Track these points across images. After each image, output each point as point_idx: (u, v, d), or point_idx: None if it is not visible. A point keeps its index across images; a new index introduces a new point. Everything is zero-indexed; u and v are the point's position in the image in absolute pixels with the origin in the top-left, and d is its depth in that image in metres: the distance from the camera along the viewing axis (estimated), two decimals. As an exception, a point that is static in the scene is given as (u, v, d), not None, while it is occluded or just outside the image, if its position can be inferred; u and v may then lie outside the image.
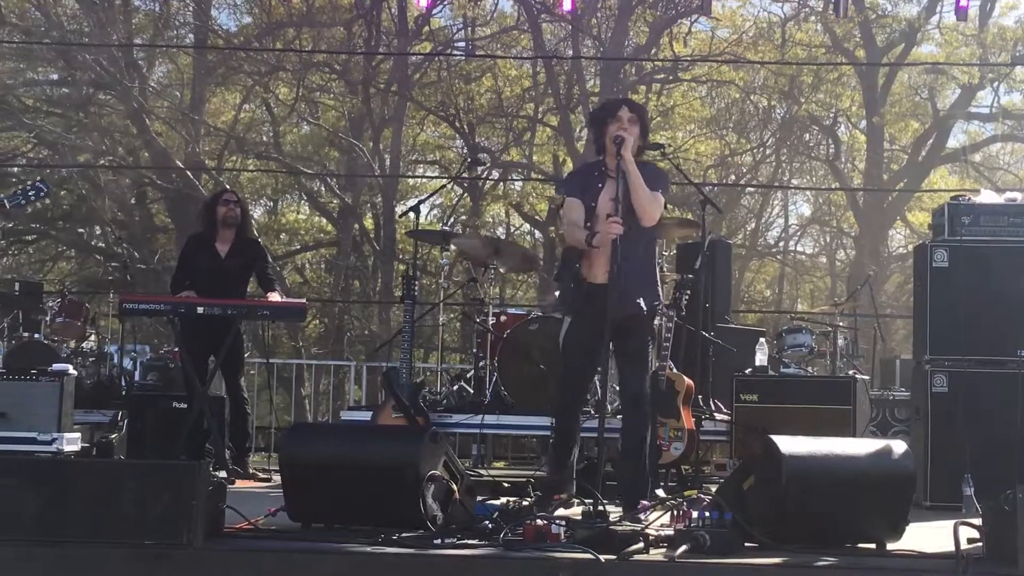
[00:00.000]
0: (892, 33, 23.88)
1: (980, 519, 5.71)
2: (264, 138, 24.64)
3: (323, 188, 25.32)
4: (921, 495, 7.92)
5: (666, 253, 10.22)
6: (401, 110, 22.80)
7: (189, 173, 21.13)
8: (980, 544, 5.56)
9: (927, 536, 6.03)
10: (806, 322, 11.45)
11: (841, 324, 11.04)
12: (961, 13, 12.30)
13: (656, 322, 8.89)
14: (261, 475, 9.65)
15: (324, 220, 26.57)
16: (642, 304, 6.94)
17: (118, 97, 21.51)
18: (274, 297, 9.24)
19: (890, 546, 5.78)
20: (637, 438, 7.02)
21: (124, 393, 11.42)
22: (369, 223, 24.52)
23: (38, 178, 8.29)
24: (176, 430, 8.80)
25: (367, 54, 22.31)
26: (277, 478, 8.90)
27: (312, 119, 24.12)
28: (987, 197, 8.89)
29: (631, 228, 6.79)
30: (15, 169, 21.66)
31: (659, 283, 7.36)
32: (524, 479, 8.55)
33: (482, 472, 9.94)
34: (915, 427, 8.84)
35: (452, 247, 10.86)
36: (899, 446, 5.99)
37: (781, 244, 30.75)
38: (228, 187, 13.65)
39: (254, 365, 13.48)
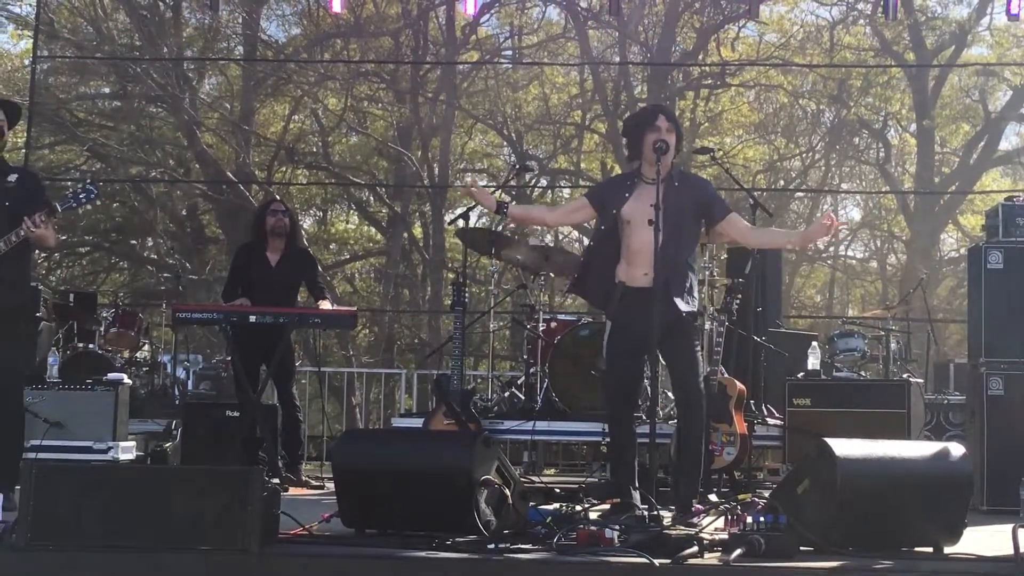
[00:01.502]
0: (942, 35, 23.67)
1: (1040, 522, 5.65)
2: (313, 148, 24.74)
3: (372, 197, 25.39)
4: (978, 499, 7.86)
5: (715, 258, 10.15)
6: (449, 119, 22.83)
7: (240, 185, 21.26)
8: (1039, 547, 5.50)
9: (985, 540, 5.99)
10: (858, 326, 11.36)
11: (893, 328, 10.96)
12: (1012, 15, 12.20)
13: (707, 327, 8.92)
14: (314, 483, 9.70)
15: (373, 229, 26.65)
16: (680, 306, 6.94)
17: (169, 110, 21.71)
18: (325, 305, 9.27)
19: (947, 550, 5.73)
20: (692, 441, 7.03)
21: (177, 402, 11.52)
22: (418, 231, 24.58)
23: (88, 180, 8.37)
24: (229, 438, 8.87)
25: (415, 63, 22.37)
26: (330, 485, 8.98)
27: (360, 129, 24.19)
28: (1042, 197, 8.82)
29: (673, 234, 6.80)
30: (68, 183, 21.85)
31: (696, 288, 7.35)
32: (576, 485, 8.55)
33: (534, 479, 9.94)
34: (971, 430, 8.76)
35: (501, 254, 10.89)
36: (956, 448, 5.93)
37: (831, 249, 30.52)
38: (277, 197, 13.71)
39: (305, 374, 13.55)
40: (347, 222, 28.14)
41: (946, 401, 10.67)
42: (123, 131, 22.39)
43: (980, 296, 8.58)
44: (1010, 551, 5.35)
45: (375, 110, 24.22)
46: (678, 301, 6.95)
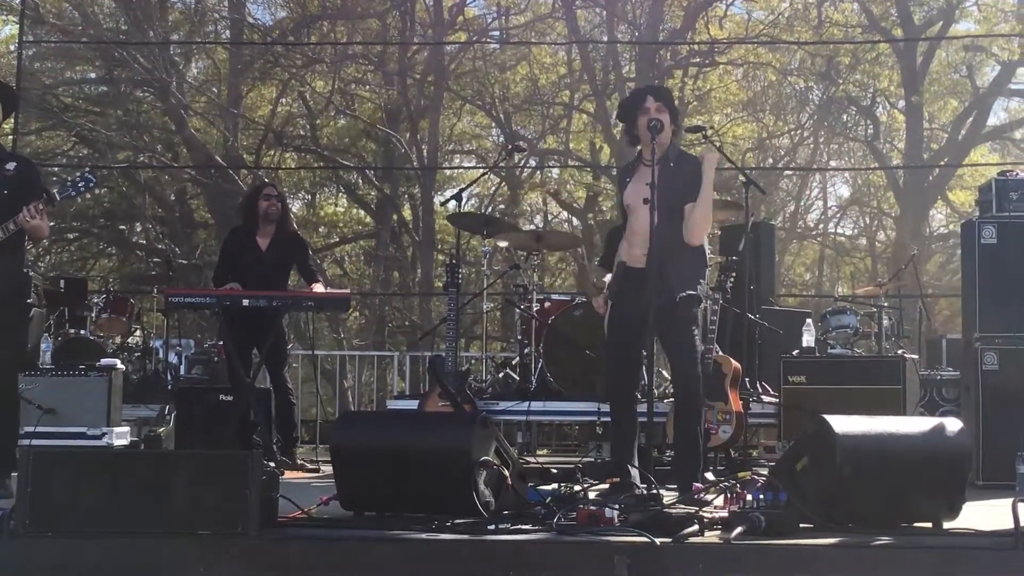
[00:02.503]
0: (930, 11, 23.68)
1: (1038, 496, 5.65)
2: (301, 131, 24.68)
3: (361, 180, 25.34)
4: (974, 474, 7.86)
5: (712, 235, 10.14)
6: (438, 100, 22.78)
7: (229, 169, 21.19)
8: (1039, 521, 5.51)
9: (983, 514, 5.98)
10: (850, 303, 11.37)
11: (885, 305, 10.96)
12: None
13: (701, 305, 8.92)
14: (309, 465, 9.69)
15: (362, 212, 26.61)
16: (675, 295, 6.95)
17: (157, 94, 21.63)
18: (318, 288, 9.25)
19: (946, 524, 5.72)
20: (689, 420, 7.05)
21: (170, 387, 11.49)
22: (408, 214, 24.54)
23: (86, 169, 8.33)
24: (223, 423, 8.81)
25: (402, 44, 22.32)
26: (325, 468, 8.98)
27: (348, 111, 24.13)
28: (1035, 172, 8.82)
29: (668, 214, 6.81)
30: (55, 168, 21.75)
31: (702, 269, 7.34)
32: (571, 465, 8.55)
33: (529, 459, 9.94)
34: (966, 405, 8.77)
35: (497, 243, 10.88)
36: (953, 423, 5.92)
37: (821, 227, 30.59)
38: (268, 181, 13.67)
39: (297, 357, 13.52)
40: (336, 205, 28.09)
41: (939, 377, 10.68)
42: (110, 116, 22.31)
43: (974, 271, 8.57)
44: (1008, 525, 5.35)
45: (363, 92, 24.17)
46: (674, 287, 6.94)
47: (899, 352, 10.00)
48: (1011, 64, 24.05)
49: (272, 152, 24.22)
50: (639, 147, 7.29)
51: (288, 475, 8.98)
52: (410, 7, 22.39)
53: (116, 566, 5.36)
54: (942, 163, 24.13)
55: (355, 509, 6.12)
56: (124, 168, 22.28)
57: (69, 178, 7.59)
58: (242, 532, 5.39)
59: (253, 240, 9.55)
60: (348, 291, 10.19)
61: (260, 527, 5.48)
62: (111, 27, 22.15)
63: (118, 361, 10.01)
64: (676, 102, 7.61)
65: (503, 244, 10.87)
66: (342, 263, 27.55)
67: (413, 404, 9.64)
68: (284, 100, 24.50)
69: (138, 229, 24.95)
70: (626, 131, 7.44)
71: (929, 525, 5.74)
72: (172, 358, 12.22)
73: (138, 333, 12.52)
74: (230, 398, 9.18)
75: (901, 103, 24.96)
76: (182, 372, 12.15)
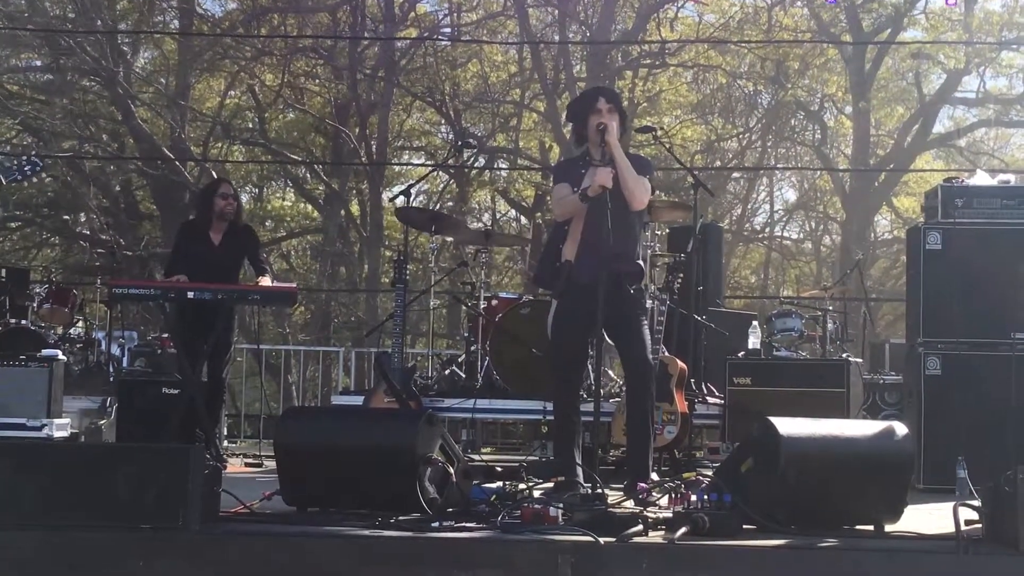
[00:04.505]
0: (879, 18, 23.88)
1: (979, 500, 5.69)
2: (250, 124, 24.54)
3: (309, 174, 25.23)
4: (915, 478, 7.91)
5: (659, 233, 10.17)
6: (388, 96, 22.71)
7: (176, 161, 21.03)
8: (979, 525, 5.56)
9: (923, 518, 6.03)
10: (795, 306, 11.43)
11: (830, 308, 11.03)
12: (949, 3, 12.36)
13: (648, 305, 8.93)
14: (252, 460, 9.62)
15: (310, 206, 26.49)
16: (624, 292, 6.96)
17: (103, 84, 21.41)
18: (265, 282, 9.18)
19: (888, 528, 5.75)
20: (640, 417, 7.07)
21: (112, 379, 11.36)
22: (355, 209, 24.45)
23: (32, 152, 8.24)
24: (165, 416, 8.72)
25: (353, 39, 22.20)
26: (268, 463, 8.91)
27: (298, 105, 24.01)
28: (980, 179, 8.89)
29: (618, 213, 6.81)
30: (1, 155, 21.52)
31: (645, 262, 7.40)
32: (516, 463, 8.54)
33: (474, 457, 9.92)
34: (908, 410, 8.83)
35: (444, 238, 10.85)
36: (898, 428, 5.96)
37: (767, 230, 30.79)
38: (226, 179, 13.56)
39: (241, 352, 13.44)
40: (283, 199, 27.99)
41: (882, 381, 10.74)
42: (56, 105, 22.05)
43: (919, 277, 8.63)
44: (949, 529, 5.39)
45: (312, 86, 24.06)
46: (624, 280, 6.95)
47: (843, 356, 10.06)
48: (957, 72, 24.30)
49: (220, 144, 24.10)
50: (585, 146, 7.30)
51: (232, 469, 8.92)
52: (361, 2, 22.28)
53: (54, 560, 5.29)
54: (888, 168, 24.36)
55: (298, 505, 6.09)
56: (69, 157, 22.03)
57: (15, 162, 7.48)
58: (183, 526, 5.35)
59: (206, 235, 9.48)
60: (295, 285, 10.10)
61: (201, 522, 5.44)
62: (58, 15, 21.91)
63: (59, 352, 9.90)
64: (626, 103, 7.65)
65: (450, 239, 10.85)
66: (288, 257, 27.45)
67: (358, 400, 9.61)
68: (233, 92, 24.35)
69: (82, 219, 24.70)
70: (575, 131, 7.44)
71: (871, 528, 5.76)
72: (115, 350, 12.08)
73: (80, 324, 12.34)
74: (173, 391, 9.11)
75: (849, 108, 25.18)
76: (125, 364, 12.03)
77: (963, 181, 8.84)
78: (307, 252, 27.50)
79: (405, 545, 5.34)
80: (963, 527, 5.37)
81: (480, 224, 24.31)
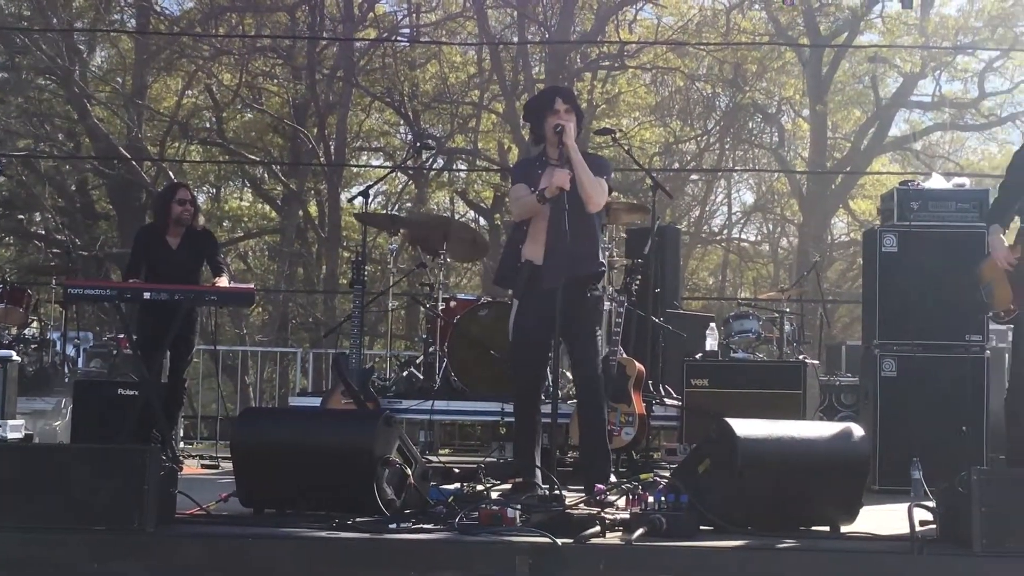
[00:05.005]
0: (836, 22, 24.03)
1: (933, 501, 5.74)
2: (207, 124, 24.40)
3: (267, 175, 25.12)
4: (870, 479, 7.95)
5: (616, 236, 10.19)
6: (346, 96, 22.65)
7: (133, 160, 20.89)
8: (934, 526, 5.60)
9: (879, 519, 6.07)
10: (752, 308, 11.47)
11: (787, 310, 11.07)
12: (905, 6, 12.45)
13: (606, 307, 8.95)
14: (208, 462, 9.58)
15: (267, 207, 26.37)
16: (582, 291, 6.98)
17: (59, 82, 21.25)
18: (222, 282, 9.14)
19: (844, 529, 5.80)
20: (593, 419, 7.07)
21: (67, 380, 11.28)
22: (314, 210, 24.37)
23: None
24: (121, 417, 8.66)
25: (312, 39, 22.12)
26: (225, 465, 8.87)
27: (256, 105, 23.90)
28: (936, 182, 8.95)
29: (576, 214, 6.82)
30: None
31: (603, 268, 7.42)
32: (473, 465, 8.53)
33: (431, 459, 9.90)
34: (864, 411, 8.89)
35: (401, 231, 10.80)
36: (854, 429, 6.00)
37: (725, 232, 30.92)
38: (183, 183, 13.49)
39: (198, 353, 13.35)
40: (241, 199, 27.85)
41: (838, 382, 10.79)
42: (11, 104, 21.86)
43: (875, 279, 8.69)
44: (904, 529, 5.43)
45: (271, 86, 23.96)
46: (577, 279, 6.96)
47: (800, 357, 10.10)
48: (913, 76, 24.47)
49: (177, 144, 23.94)
50: (542, 146, 7.31)
51: (188, 471, 8.87)
52: (320, 2, 22.22)
53: (7, 561, 5.25)
54: (845, 171, 24.52)
55: (254, 506, 6.07)
56: (24, 156, 21.84)
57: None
58: (138, 528, 5.32)
59: (163, 239, 9.42)
60: (252, 286, 10.05)
61: (157, 524, 5.40)
62: (13, 12, 21.72)
63: (14, 353, 9.82)
64: (585, 105, 7.67)
65: (412, 223, 10.82)
66: (246, 258, 27.32)
67: (316, 401, 9.57)
68: (190, 92, 24.18)
69: (37, 219, 24.49)
70: (532, 130, 7.45)
71: (827, 529, 5.80)
72: (70, 351, 12.00)
73: (35, 324, 12.26)
74: (129, 392, 9.05)
75: (806, 111, 25.32)
76: (80, 365, 11.95)
77: (919, 184, 8.91)
78: (265, 253, 27.39)
79: (362, 547, 5.33)
80: (918, 528, 5.42)
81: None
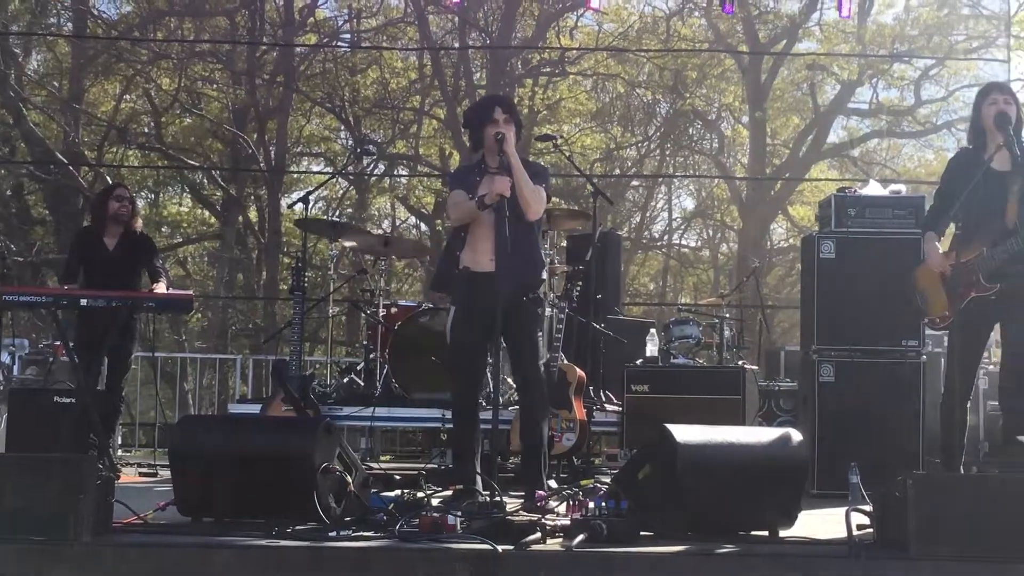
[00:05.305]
0: (775, 29, 24.22)
1: (870, 505, 5.78)
2: (146, 129, 24.21)
3: (206, 180, 24.96)
4: (809, 483, 8.01)
5: (557, 242, 10.21)
6: (287, 101, 22.57)
7: (70, 165, 20.67)
8: (871, 530, 5.64)
9: (816, 523, 6.11)
10: (693, 314, 11.52)
11: (727, 315, 11.13)
12: (843, 16, 12.61)
13: (547, 313, 8.97)
14: (147, 470, 9.49)
15: (207, 212, 26.21)
16: (521, 297, 7.00)
17: (-7, 86, 21.00)
18: (160, 288, 9.06)
19: (783, 533, 5.84)
20: (534, 425, 7.09)
21: (2, 388, 11.13)
22: (254, 215, 24.24)
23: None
24: (58, 425, 8.56)
25: (252, 44, 22.02)
26: (163, 473, 8.79)
27: (195, 110, 23.74)
28: (873, 189, 9.03)
29: (516, 222, 6.86)
30: None
31: (545, 271, 7.49)
32: (415, 471, 8.51)
33: (372, 465, 9.86)
34: (803, 416, 8.95)
35: (344, 243, 10.76)
36: (793, 434, 6.04)
37: (665, 238, 31.07)
38: (121, 183, 13.37)
39: (136, 359, 13.22)
40: (180, 205, 27.65)
41: (777, 388, 10.85)
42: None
43: (813, 285, 8.75)
44: (842, 533, 5.47)
45: (210, 91, 23.83)
46: (518, 284, 6.98)
47: (739, 363, 10.15)
48: (850, 84, 24.71)
49: (115, 149, 23.73)
50: (480, 153, 7.34)
51: (126, 479, 8.78)
52: (260, 6, 22.12)
53: (-60, 573, 5.18)
54: (784, 177, 24.71)
55: (193, 515, 6.01)
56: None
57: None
58: (75, 538, 5.25)
59: (100, 240, 9.35)
60: (191, 292, 9.98)
61: (93, 533, 5.34)
62: (-54, 16, 21.45)
63: (-55, 360, 9.68)
64: (526, 111, 7.71)
65: (350, 244, 10.78)
66: (185, 264, 27.11)
67: (255, 408, 9.50)
68: (128, 96, 24.01)
69: (-30, 225, 24.19)
70: (470, 137, 7.48)
71: (766, 534, 5.84)
72: (5, 358, 11.83)
73: (-32, 332, 12.08)
74: (65, 400, 8.95)
75: (745, 118, 25.50)
76: (15, 372, 11.79)
77: (856, 191, 8.98)
78: (204, 258, 27.19)
79: (302, 555, 5.29)
80: (855, 532, 5.46)
81: (380, 231, 24.20)
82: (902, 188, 9.07)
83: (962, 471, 6.94)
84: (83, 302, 8.26)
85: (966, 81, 24.04)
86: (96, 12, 22.69)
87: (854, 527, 5.47)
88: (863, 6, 23.03)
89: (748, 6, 22.72)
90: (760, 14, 23.69)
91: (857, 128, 26.74)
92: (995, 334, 7.30)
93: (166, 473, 6.91)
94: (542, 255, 7.42)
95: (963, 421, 6.94)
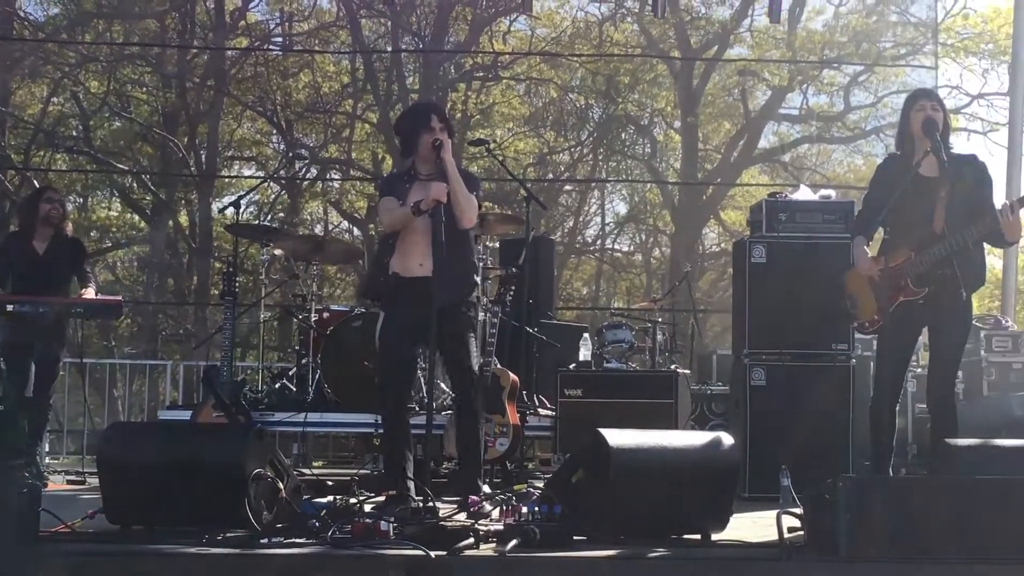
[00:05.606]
0: (706, 35, 24.37)
1: (801, 508, 5.82)
2: (74, 132, 23.93)
3: (136, 184, 24.71)
4: (740, 486, 8.06)
5: (490, 246, 10.20)
6: (218, 105, 22.40)
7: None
8: (801, 533, 5.68)
9: (748, 526, 6.14)
10: (625, 318, 11.55)
11: (660, 320, 11.17)
12: (773, 20, 12.75)
13: (480, 317, 8.96)
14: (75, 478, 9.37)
15: (137, 217, 25.94)
16: (454, 302, 7.02)
17: (-84, 88, 20.69)
18: (89, 294, 8.96)
19: (714, 536, 5.85)
20: (468, 430, 7.09)
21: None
22: (184, 219, 24.03)
23: None
24: (-18, 432, 8.45)
25: (183, 47, 21.86)
26: (92, 481, 8.68)
27: (124, 113, 23.50)
28: (804, 194, 9.11)
29: (451, 228, 6.88)
30: None
31: (478, 279, 7.53)
32: (348, 477, 8.47)
33: (304, 471, 9.80)
34: (734, 419, 9.00)
35: (275, 250, 10.68)
36: (725, 438, 6.07)
37: (598, 242, 31.16)
38: (51, 186, 13.20)
39: (64, 365, 13.07)
40: (109, 209, 27.33)
41: (709, 391, 10.91)
42: None
43: (744, 289, 8.81)
44: (773, 536, 5.51)
45: (139, 94, 23.59)
46: (453, 291, 6.99)
47: (672, 367, 10.20)
48: (781, 89, 24.92)
49: (42, 152, 23.43)
50: (411, 161, 7.34)
51: (52, 487, 8.67)
52: (190, 9, 21.94)
53: None
54: (716, 182, 24.87)
55: (122, 523, 5.94)
56: None
57: None
58: (-1, 547, 5.17)
59: (30, 244, 9.24)
60: (120, 298, 9.87)
61: (19, 542, 5.26)
62: None
63: None
64: (459, 115, 7.72)
65: (279, 252, 10.72)
66: (114, 269, 26.82)
67: (186, 415, 9.42)
68: (56, 99, 23.71)
69: None
70: (402, 143, 7.47)
71: (698, 537, 5.85)
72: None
73: None
74: (-7, 408, 8.83)
75: (677, 123, 25.63)
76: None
77: (787, 196, 9.06)
78: (134, 263, 26.92)
79: (233, 562, 5.24)
80: (786, 534, 5.49)
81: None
82: (832, 193, 9.15)
83: (891, 473, 7.03)
84: (9, 307, 8.16)
85: (894, 87, 24.30)
86: (23, 14, 22.38)
87: (785, 530, 5.51)
88: (793, 13, 23.26)
89: (680, 12, 22.85)
90: (692, 20, 23.83)
91: (788, 133, 26.96)
92: (923, 338, 7.37)
93: (95, 481, 6.82)
94: (475, 262, 7.44)
95: (892, 424, 7.01)
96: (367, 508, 6.20)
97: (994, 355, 11.20)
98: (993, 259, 13.44)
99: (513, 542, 5.35)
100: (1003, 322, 12.00)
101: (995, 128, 24.72)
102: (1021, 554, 5.24)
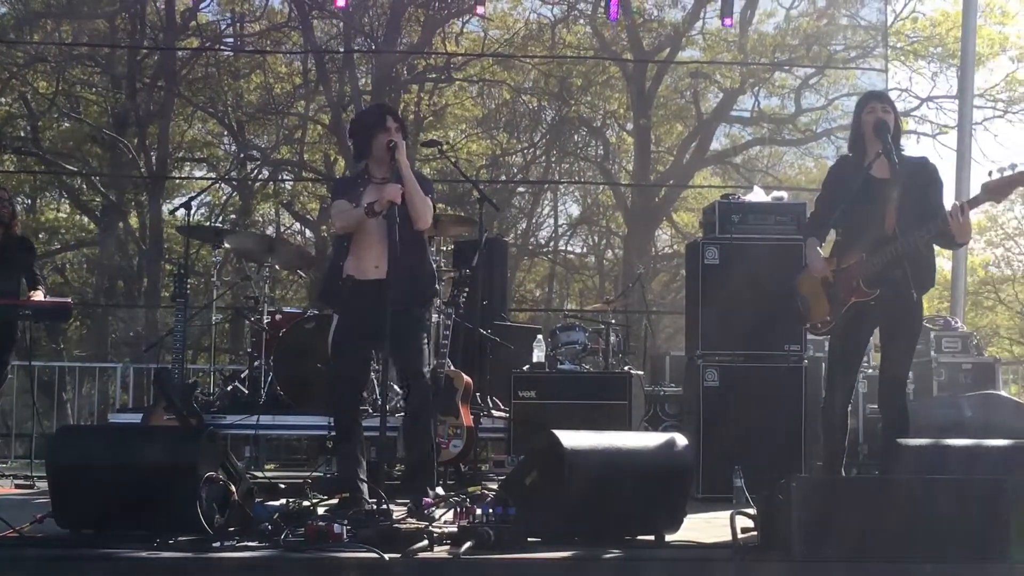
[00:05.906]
0: (658, 37, 24.44)
1: (754, 509, 5.84)
2: (22, 133, 23.70)
3: (85, 185, 24.50)
4: (694, 487, 8.09)
5: (444, 249, 10.19)
6: (168, 106, 22.25)
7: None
8: (755, 533, 5.70)
9: (701, 527, 6.17)
10: (579, 320, 11.57)
11: (613, 321, 11.19)
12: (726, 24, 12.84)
13: (434, 319, 8.95)
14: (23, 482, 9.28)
15: (86, 218, 25.72)
16: (408, 305, 7.00)
17: None
18: (38, 296, 8.87)
19: (668, 537, 5.86)
20: (421, 432, 7.07)
21: None
22: (134, 221, 23.84)
23: None
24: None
25: (132, 47, 21.69)
26: (41, 485, 8.59)
27: (73, 114, 23.30)
28: (756, 196, 9.16)
29: (405, 230, 6.86)
30: None
31: (433, 281, 7.49)
32: (300, 480, 8.43)
33: (257, 474, 9.75)
34: (688, 420, 9.04)
35: (225, 244, 10.61)
36: (678, 439, 6.08)
37: (551, 244, 31.19)
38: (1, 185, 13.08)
39: (12, 368, 12.94)
40: (58, 210, 27.07)
41: (663, 392, 10.95)
42: None
43: (697, 290, 8.85)
44: (726, 537, 5.53)
45: (89, 95, 23.40)
46: (414, 297, 6.98)
47: (625, 368, 10.22)
48: (733, 92, 25.02)
49: (-11, 153, 23.20)
50: (364, 163, 7.31)
51: (0, 491, 8.57)
52: (140, 9, 21.78)
53: None
54: (668, 184, 24.95)
55: (72, 527, 5.87)
56: None
57: None
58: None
59: (-23, 244, 9.15)
60: (69, 300, 9.79)
61: (-33, 547, 5.20)
62: None
63: None
64: (412, 117, 7.70)
65: (234, 244, 10.65)
66: (63, 271, 26.56)
67: (137, 418, 9.35)
68: (3, 100, 23.45)
69: None
70: (355, 145, 7.43)
71: (652, 538, 5.86)
72: None
73: None
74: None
75: (630, 125, 25.68)
76: None
77: (739, 198, 9.11)
78: (83, 265, 26.68)
79: (184, 566, 5.20)
80: (739, 535, 5.52)
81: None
82: (784, 195, 9.20)
83: (843, 473, 7.07)
84: (-45, 310, 8.06)
85: (845, 90, 24.45)
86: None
87: (738, 530, 5.53)
88: (745, 15, 23.36)
89: (632, 14, 22.90)
90: (644, 22, 23.89)
91: (739, 135, 27.07)
92: (875, 339, 7.42)
93: (44, 485, 6.75)
94: (431, 264, 7.43)
95: (844, 424, 7.05)
96: (320, 511, 6.17)
97: (944, 356, 11.30)
98: (942, 260, 13.59)
99: (467, 544, 5.34)
100: (952, 323, 12.11)
101: (944, 131, 25.04)
102: (973, 554, 5.29)
